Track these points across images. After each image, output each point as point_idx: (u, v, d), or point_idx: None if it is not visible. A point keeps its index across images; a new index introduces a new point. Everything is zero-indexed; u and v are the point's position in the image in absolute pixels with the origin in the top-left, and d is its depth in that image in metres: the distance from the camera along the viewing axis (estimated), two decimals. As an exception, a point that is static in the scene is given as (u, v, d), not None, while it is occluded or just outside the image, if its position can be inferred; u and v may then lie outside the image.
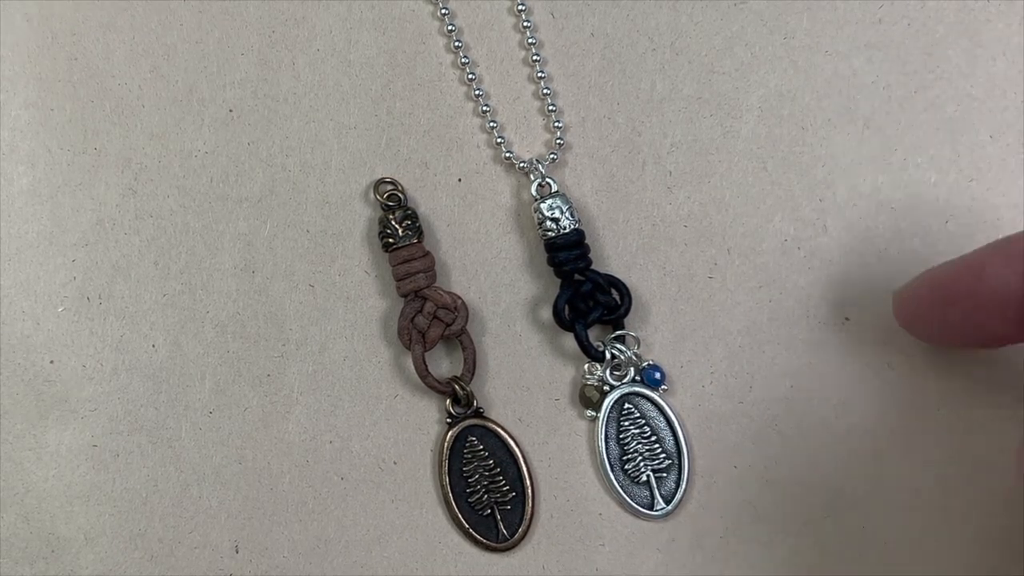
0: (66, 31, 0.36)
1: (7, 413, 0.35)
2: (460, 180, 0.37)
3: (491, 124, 0.37)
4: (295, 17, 0.37)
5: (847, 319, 0.36)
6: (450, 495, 0.35)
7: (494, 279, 0.37)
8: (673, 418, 0.36)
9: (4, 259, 0.36)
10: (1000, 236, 0.35)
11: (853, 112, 0.37)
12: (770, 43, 0.37)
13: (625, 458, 0.36)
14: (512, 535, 0.35)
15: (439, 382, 0.35)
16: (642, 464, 0.35)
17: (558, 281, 0.36)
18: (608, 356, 0.36)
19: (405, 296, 0.35)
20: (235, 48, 0.37)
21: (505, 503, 0.35)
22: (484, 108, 0.37)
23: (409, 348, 0.35)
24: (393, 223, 0.35)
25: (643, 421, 0.36)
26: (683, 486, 0.35)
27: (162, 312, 0.36)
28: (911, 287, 0.33)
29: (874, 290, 0.36)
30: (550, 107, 0.37)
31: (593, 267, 0.36)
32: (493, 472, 0.36)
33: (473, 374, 0.36)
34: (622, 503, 0.35)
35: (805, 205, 0.36)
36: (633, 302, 0.36)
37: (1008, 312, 0.29)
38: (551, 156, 0.37)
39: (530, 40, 0.37)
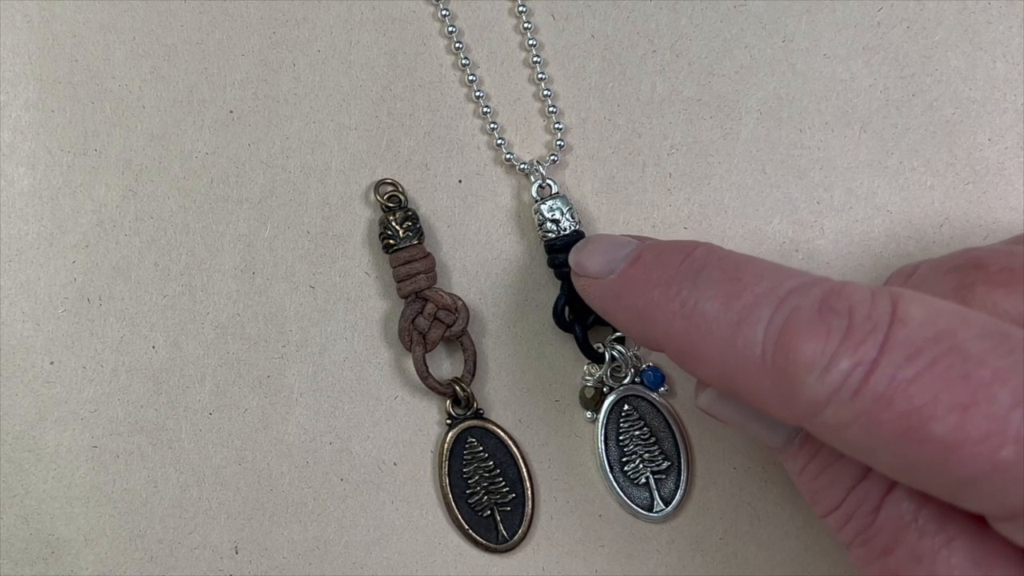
0: (67, 32, 0.36)
1: (7, 414, 0.35)
2: (461, 181, 0.37)
3: (492, 125, 0.37)
4: (296, 18, 0.37)
5: (845, 321, 0.36)
6: (450, 496, 0.35)
7: (494, 280, 0.37)
8: (673, 420, 0.36)
9: (4, 260, 0.36)
10: (996, 240, 0.36)
11: (851, 115, 0.37)
12: (769, 46, 0.37)
13: (624, 459, 0.36)
14: (512, 536, 0.35)
15: (440, 383, 0.35)
16: (641, 466, 0.36)
17: (558, 283, 0.36)
18: (608, 357, 0.36)
19: (406, 297, 0.35)
20: (235, 49, 0.37)
21: (505, 504, 0.35)
22: (485, 109, 0.37)
23: (410, 349, 0.35)
24: (394, 224, 0.35)
25: (643, 423, 0.36)
26: (682, 487, 0.35)
27: (162, 313, 0.36)
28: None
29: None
30: (551, 109, 0.37)
31: (593, 269, 0.36)
32: (493, 473, 0.36)
33: (473, 375, 0.36)
34: (622, 504, 0.35)
35: (803, 207, 0.36)
36: (633, 304, 0.36)
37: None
38: (551, 158, 0.37)
39: (531, 42, 0.37)
